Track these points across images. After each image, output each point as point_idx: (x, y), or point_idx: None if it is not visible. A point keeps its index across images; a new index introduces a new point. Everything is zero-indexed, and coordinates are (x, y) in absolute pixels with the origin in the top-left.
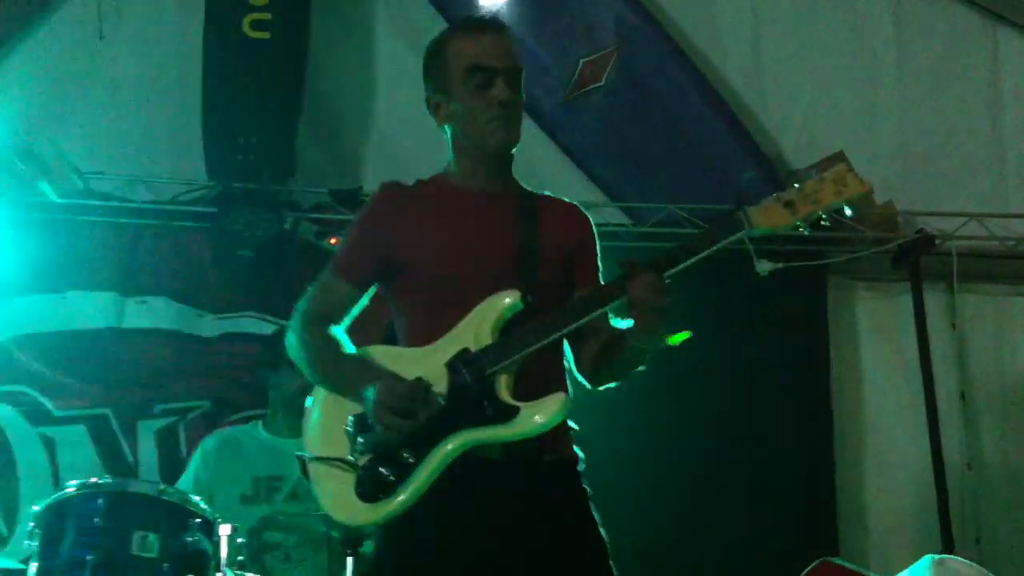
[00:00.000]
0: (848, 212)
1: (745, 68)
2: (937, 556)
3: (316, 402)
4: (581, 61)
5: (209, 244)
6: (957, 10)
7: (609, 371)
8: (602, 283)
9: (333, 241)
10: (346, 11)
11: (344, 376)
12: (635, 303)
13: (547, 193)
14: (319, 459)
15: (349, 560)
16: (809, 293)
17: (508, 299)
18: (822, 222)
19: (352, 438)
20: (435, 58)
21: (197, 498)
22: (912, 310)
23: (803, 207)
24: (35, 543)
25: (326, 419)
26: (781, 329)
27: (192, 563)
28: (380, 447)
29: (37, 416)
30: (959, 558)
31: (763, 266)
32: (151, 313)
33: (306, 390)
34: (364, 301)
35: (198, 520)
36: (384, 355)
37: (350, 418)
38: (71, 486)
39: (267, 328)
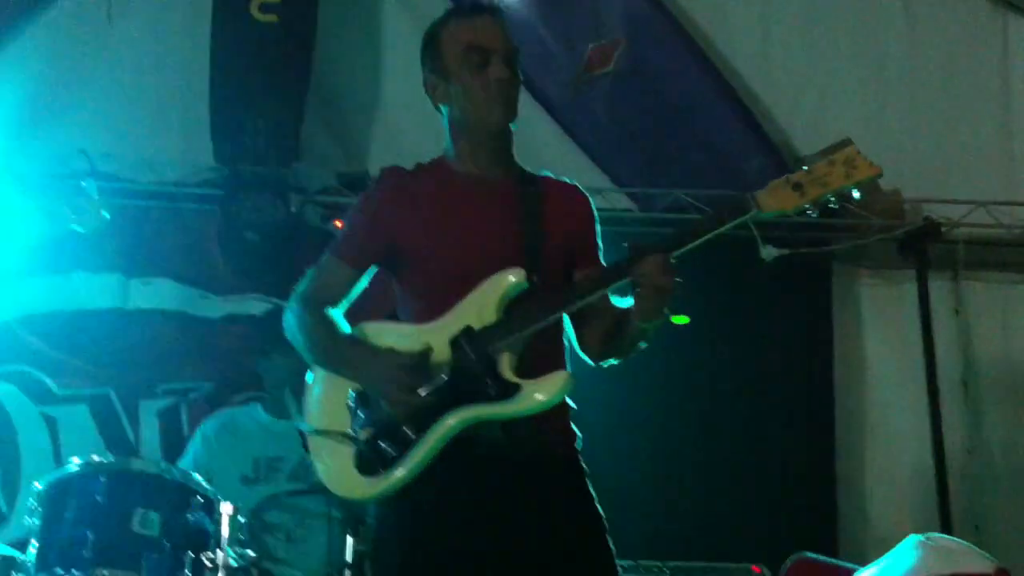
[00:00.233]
0: (856, 195)
1: (754, 55)
2: (923, 536)
3: (318, 377)
4: (589, 47)
5: (215, 226)
6: None
7: (611, 349)
8: (603, 262)
9: (338, 224)
10: None
11: (344, 357)
12: (640, 283)
13: (547, 174)
14: (319, 433)
15: (349, 539)
16: (814, 279)
17: (513, 277)
18: (830, 205)
19: (353, 412)
20: (432, 41)
21: (199, 477)
22: (916, 297)
23: (812, 189)
24: (36, 521)
25: (327, 393)
26: (785, 315)
27: (193, 541)
28: (381, 422)
29: (40, 395)
30: (945, 535)
31: (768, 252)
32: (156, 294)
33: (299, 373)
34: (364, 283)
35: (200, 499)
36: (387, 331)
37: (351, 392)
38: (73, 464)
39: (268, 309)
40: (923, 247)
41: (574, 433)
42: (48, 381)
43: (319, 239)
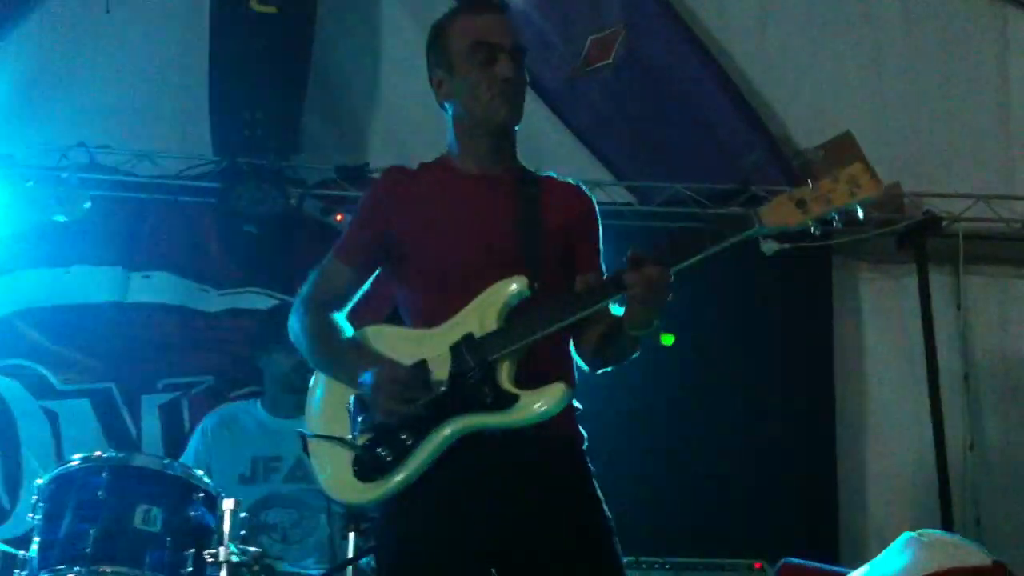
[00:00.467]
0: (860, 213)
1: (753, 48)
2: (915, 533)
3: (320, 380)
4: (589, 39)
5: (214, 219)
6: None
7: (605, 358)
8: (603, 266)
9: (339, 218)
10: None
11: (343, 362)
12: (636, 294)
13: (550, 173)
14: (319, 437)
15: (351, 536)
16: (814, 273)
17: (515, 286)
18: (834, 223)
19: (352, 417)
20: (439, 37)
21: (200, 472)
22: (916, 291)
23: (816, 207)
24: (38, 516)
25: (329, 397)
26: (785, 309)
27: (195, 537)
28: (379, 427)
29: (41, 389)
30: (939, 531)
31: (769, 246)
32: (155, 288)
33: (299, 369)
34: (367, 285)
35: (201, 494)
36: (388, 335)
37: (351, 397)
38: (75, 459)
39: (272, 304)
40: (923, 241)
41: (580, 435)
42: (49, 375)
43: (318, 232)
